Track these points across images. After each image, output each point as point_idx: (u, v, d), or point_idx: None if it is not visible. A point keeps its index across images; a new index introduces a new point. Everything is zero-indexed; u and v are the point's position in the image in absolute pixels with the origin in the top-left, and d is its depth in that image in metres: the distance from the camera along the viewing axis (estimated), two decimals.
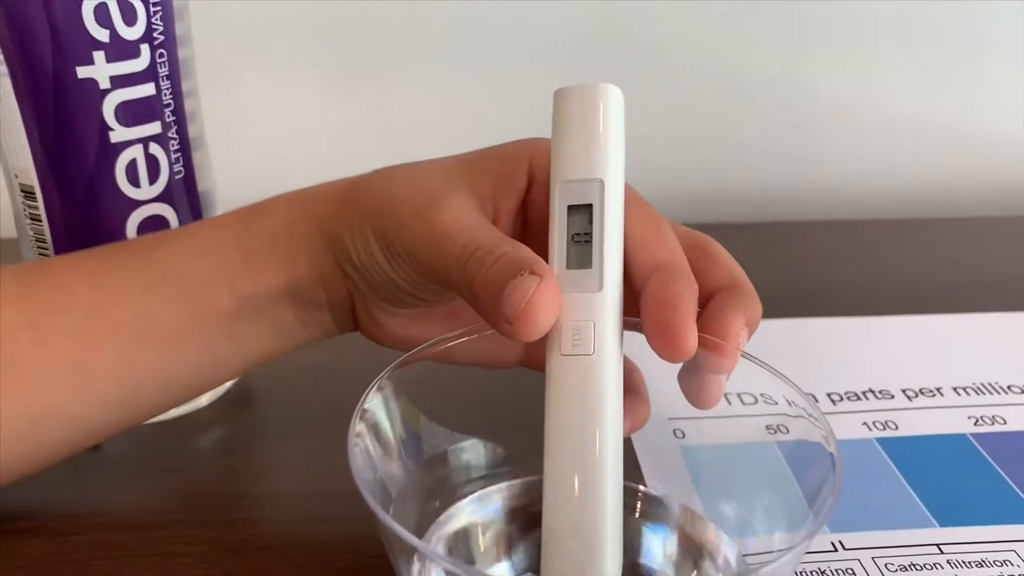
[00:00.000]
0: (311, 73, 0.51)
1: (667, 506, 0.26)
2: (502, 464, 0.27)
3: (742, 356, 0.24)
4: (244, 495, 0.30)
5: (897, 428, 0.33)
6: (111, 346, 0.26)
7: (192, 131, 0.32)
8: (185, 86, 0.31)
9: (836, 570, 0.27)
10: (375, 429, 0.24)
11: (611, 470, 0.21)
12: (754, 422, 0.26)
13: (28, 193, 0.30)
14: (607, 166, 0.23)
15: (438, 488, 0.26)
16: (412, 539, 0.19)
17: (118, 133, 0.30)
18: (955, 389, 0.35)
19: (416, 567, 0.21)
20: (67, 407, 0.26)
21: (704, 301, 0.24)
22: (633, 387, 0.25)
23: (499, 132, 0.28)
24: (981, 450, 0.32)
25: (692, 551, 0.25)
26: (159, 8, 0.29)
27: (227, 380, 0.31)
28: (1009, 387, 0.35)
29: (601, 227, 0.22)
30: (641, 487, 0.27)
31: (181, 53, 0.31)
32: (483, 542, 0.25)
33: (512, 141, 0.27)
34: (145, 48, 0.29)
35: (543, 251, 0.23)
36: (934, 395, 0.35)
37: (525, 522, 0.25)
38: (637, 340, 0.23)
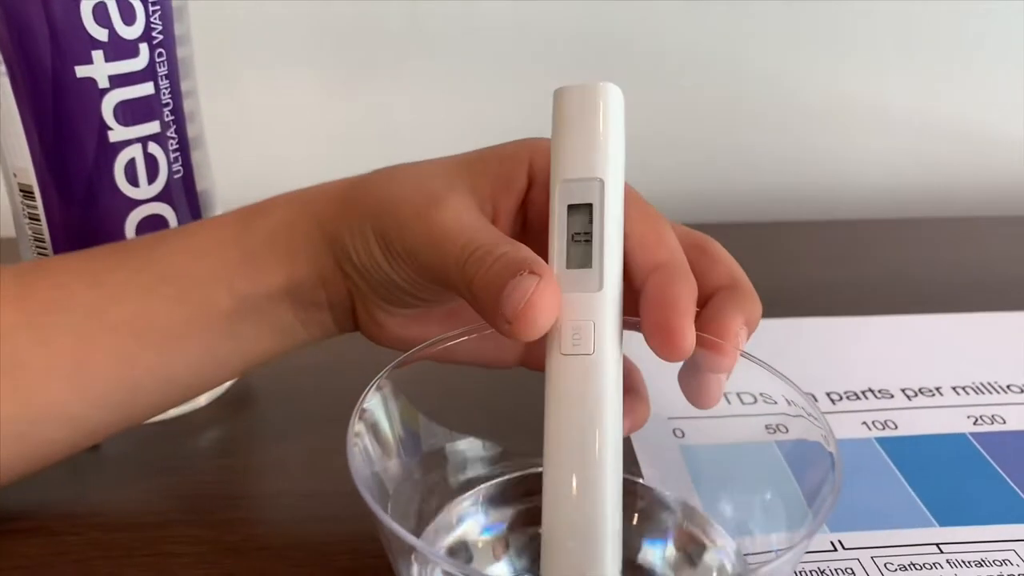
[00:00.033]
0: (311, 73, 0.51)
1: (667, 505, 0.26)
2: (501, 463, 0.27)
3: (741, 355, 0.24)
4: (243, 495, 0.30)
5: (896, 428, 0.33)
6: (110, 346, 0.26)
7: (191, 131, 0.32)
8: (184, 86, 0.31)
9: (835, 569, 0.27)
10: (374, 429, 0.24)
11: (611, 470, 0.21)
12: (753, 421, 0.26)
13: (27, 192, 0.30)
14: (607, 165, 0.23)
15: (437, 487, 0.26)
16: (411, 539, 0.19)
17: (117, 132, 0.30)
18: (954, 388, 0.35)
19: (415, 567, 0.21)
20: (66, 407, 0.26)
21: (704, 301, 0.24)
22: (632, 387, 0.25)
23: (499, 132, 0.28)
24: (980, 449, 0.32)
25: (692, 550, 0.25)
26: (158, 7, 0.29)
27: (227, 380, 0.31)
28: (1008, 386, 0.35)
29: (601, 226, 0.22)
30: (640, 480, 0.27)
31: (180, 52, 0.31)
32: (482, 542, 0.25)
33: (512, 141, 0.27)
34: (144, 47, 0.29)
35: (543, 251, 0.23)
36: (933, 394, 0.35)
37: (524, 522, 0.25)
38: (636, 340, 0.23)
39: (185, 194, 0.32)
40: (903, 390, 0.35)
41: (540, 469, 0.22)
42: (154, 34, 0.29)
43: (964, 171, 0.56)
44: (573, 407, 0.22)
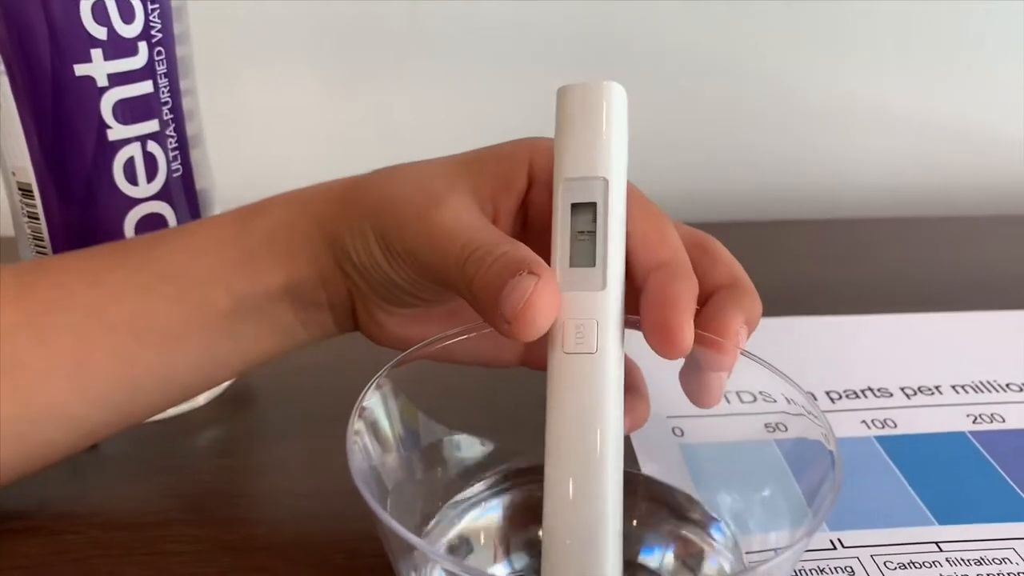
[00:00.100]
0: (311, 72, 0.51)
1: (667, 501, 0.26)
2: (501, 462, 0.27)
3: (741, 354, 0.24)
4: (242, 494, 0.30)
5: (896, 426, 0.33)
6: (110, 345, 0.26)
7: (190, 129, 0.32)
8: (183, 84, 0.31)
9: (835, 568, 0.27)
10: (374, 427, 0.24)
11: (612, 469, 0.21)
12: (753, 420, 0.26)
13: (26, 191, 0.30)
14: (611, 164, 0.23)
15: (437, 486, 0.26)
16: (411, 537, 0.19)
17: (116, 131, 0.30)
18: (954, 387, 0.35)
19: (415, 565, 0.21)
20: (66, 407, 0.26)
21: (704, 299, 0.24)
22: (633, 385, 0.25)
23: (499, 132, 0.28)
24: (980, 448, 0.32)
25: (691, 549, 0.25)
26: (157, 6, 0.29)
27: (226, 380, 0.31)
28: (1008, 385, 0.35)
29: (605, 225, 0.22)
30: (641, 474, 0.27)
31: (179, 51, 0.31)
32: (482, 540, 0.25)
33: (511, 140, 0.27)
34: (143, 46, 0.29)
35: (544, 250, 0.23)
36: (933, 393, 0.35)
37: (524, 520, 0.25)
38: (637, 338, 0.23)
39: (184, 193, 0.32)
40: (902, 389, 0.35)
41: (541, 464, 0.22)
42: (153, 33, 0.29)
43: (964, 171, 0.56)
44: (575, 405, 0.22)
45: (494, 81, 0.51)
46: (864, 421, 0.33)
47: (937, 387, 0.35)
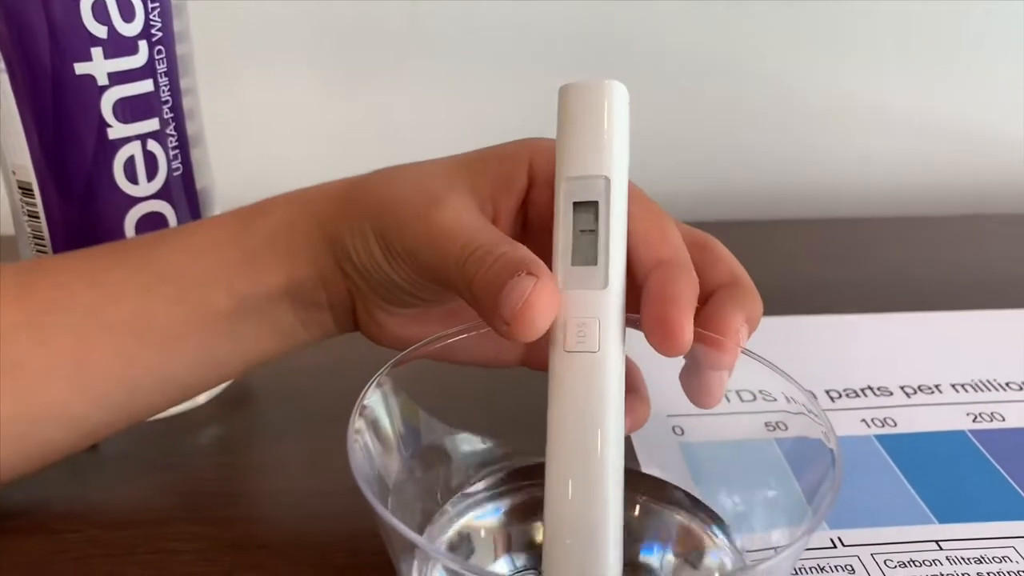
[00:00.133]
0: (311, 72, 0.51)
1: (667, 499, 0.26)
2: (501, 460, 0.27)
3: (742, 353, 0.24)
4: (242, 492, 0.30)
5: (896, 425, 0.33)
6: (110, 345, 0.26)
7: (190, 128, 0.32)
8: (183, 83, 0.31)
9: (835, 566, 0.27)
10: (374, 425, 0.24)
11: (613, 468, 0.21)
12: (753, 419, 0.26)
13: (26, 190, 0.30)
14: (612, 163, 0.23)
15: (437, 484, 0.26)
16: (412, 535, 0.19)
17: (116, 130, 0.30)
18: (953, 386, 0.35)
19: (416, 563, 0.21)
20: (66, 407, 0.26)
21: (705, 298, 0.24)
22: (633, 386, 0.25)
23: (499, 132, 0.28)
24: (980, 447, 0.32)
25: (692, 547, 0.25)
26: (157, 5, 0.29)
27: (227, 380, 0.31)
28: (1007, 384, 0.35)
29: (607, 224, 0.22)
30: (642, 472, 0.27)
31: (179, 50, 0.31)
32: (482, 538, 0.25)
33: (512, 141, 0.27)
34: (143, 44, 0.29)
35: (544, 250, 0.23)
36: (932, 392, 0.35)
37: (524, 519, 0.25)
38: (637, 338, 0.23)
39: (184, 192, 0.32)
40: (902, 388, 0.35)
41: (541, 463, 0.22)
42: (153, 31, 0.29)
43: (964, 170, 0.56)
44: (577, 404, 0.22)
45: (494, 81, 0.51)
46: (864, 420, 0.33)
47: (937, 386, 0.35)
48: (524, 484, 0.26)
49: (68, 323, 0.25)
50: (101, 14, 0.28)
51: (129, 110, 0.30)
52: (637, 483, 0.26)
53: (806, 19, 0.51)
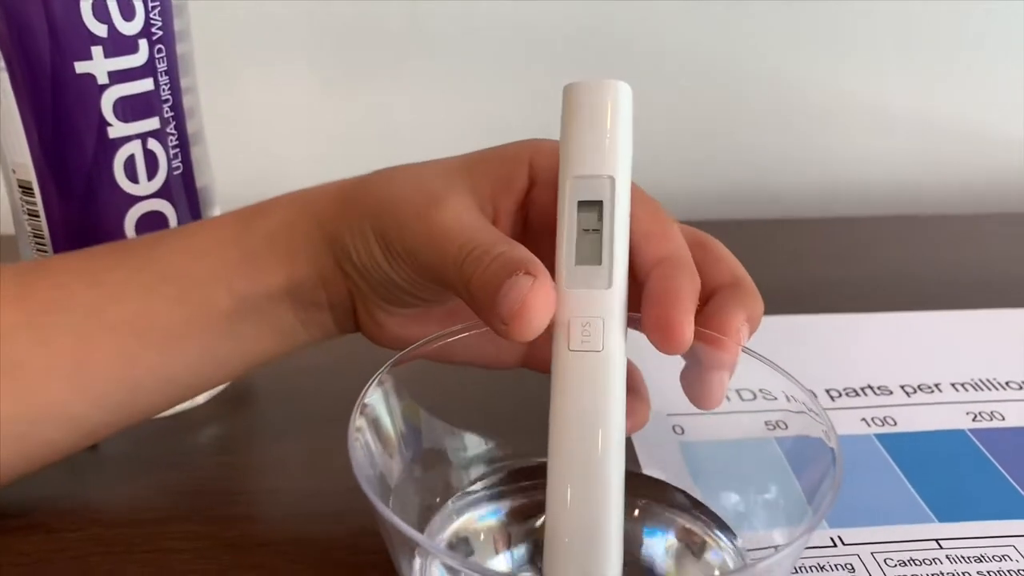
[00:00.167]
0: (311, 72, 0.51)
1: (668, 500, 0.26)
2: (502, 460, 0.27)
3: (742, 351, 0.24)
4: (242, 491, 0.30)
5: (896, 424, 0.33)
6: (111, 345, 0.26)
7: (191, 127, 0.32)
8: (184, 82, 0.31)
9: (835, 565, 0.27)
10: (375, 424, 0.24)
11: (615, 467, 0.21)
12: (754, 418, 0.26)
13: (26, 189, 0.30)
14: (617, 163, 0.23)
15: (438, 482, 0.26)
16: (413, 533, 0.19)
17: (116, 129, 0.30)
18: (953, 385, 0.35)
19: (416, 561, 0.21)
20: (67, 407, 0.26)
21: (706, 298, 0.24)
22: (634, 387, 0.25)
23: (499, 132, 0.28)
24: (979, 446, 0.32)
25: (692, 546, 0.25)
26: (157, 4, 0.29)
27: (227, 380, 0.31)
28: (1007, 383, 0.35)
29: (611, 224, 0.22)
30: (642, 472, 0.27)
31: (179, 49, 0.31)
32: (482, 536, 0.25)
33: (513, 142, 0.27)
34: (143, 43, 0.29)
35: (546, 250, 0.23)
36: (932, 391, 0.35)
37: (525, 517, 0.25)
38: (636, 338, 0.23)
39: (185, 190, 0.32)
40: (902, 387, 0.35)
41: (541, 463, 0.22)
42: (153, 30, 0.29)
43: (964, 170, 0.56)
44: (580, 403, 0.22)
45: (494, 81, 0.51)
46: (864, 419, 0.33)
47: (937, 385, 0.35)
48: (525, 484, 0.26)
49: (68, 323, 0.25)
50: (101, 13, 0.28)
51: (129, 109, 0.30)
52: (637, 484, 0.26)
53: (806, 19, 0.52)
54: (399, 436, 0.25)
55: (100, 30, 0.28)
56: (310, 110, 0.52)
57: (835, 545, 0.27)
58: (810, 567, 0.26)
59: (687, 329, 0.22)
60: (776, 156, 0.55)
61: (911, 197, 0.57)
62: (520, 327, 0.21)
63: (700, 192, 0.55)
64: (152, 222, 0.31)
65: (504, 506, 0.26)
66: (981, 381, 0.36)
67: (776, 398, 0.25)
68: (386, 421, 0.24)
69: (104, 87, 0.29)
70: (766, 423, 0.25)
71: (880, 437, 0.32)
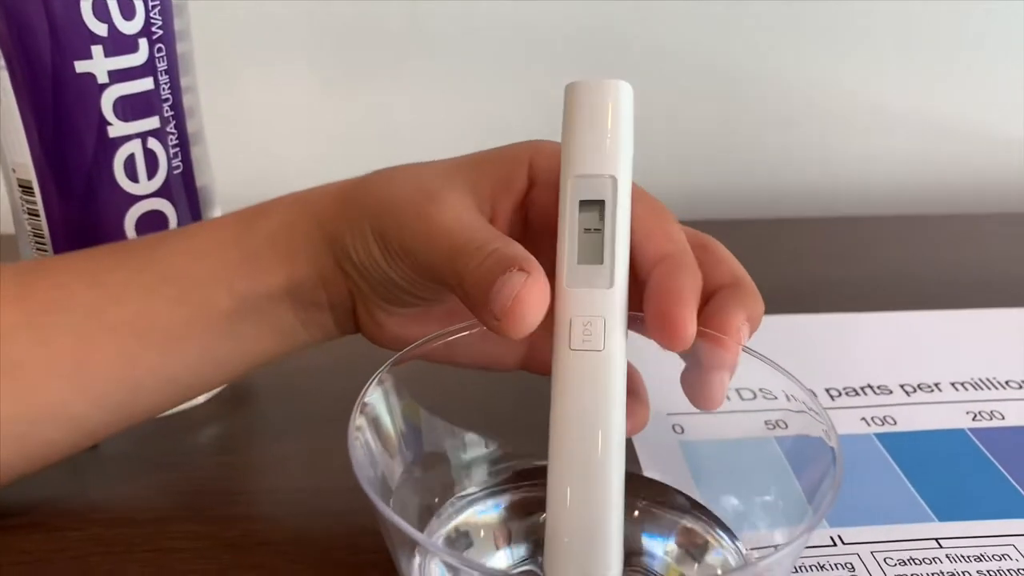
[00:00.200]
0: (311, 72, 0.51)
1: (668, 499, 0.26)
2: (501, 458, 0.27)
3: (742, 351, 0.24)
4: (242, 491, 0.30)
5: (895, 423, 0.33)
6: (111, 346, 0.26)
7: (191, 126, 0.32)
8: (184, 81, 0.31)
9: (835, 564, 0.27)
10: (375, 423, 0.24)
11: (616, 467, 0.22)
12: (754, 417, 0.26)
13: (26, 188, 0.30)
14: (619, 163, 0.23)
15: (438, 482, 0.26)
16: (413, 532, 0.19)
17: (116, 128, 0.30)
18: (953, 384, 0.35)
19: (416, 560, 0.21)
20: (67, 407, 0.26)
21: (706, 299, 0.24)
22: (633, 389, 0.25)
23: (499, 131, 0.28)
24: (979, 445, 0.32)
25: (692, 546, 0.25)
26: (158, 3, 0.29)
27: (228, 381, 0.31)
28: (1007, 382, 0.35)
29: (613, 223, 0.22)
30: (642, 474, 0.27)
31: (180, 48, 0.31)
32: (481, 534, 0.25)
33: (513, 143, 0.27)
34: (143, 43, 0.29)
35: (545, 250, 0.23)
36: (932, 390, 0.35)
37: (524, 515, 0.25)
38: (635, 338, 0.23)
39: (184, 190, 0.32)
40: (902, 386, 0.35)
41: (540, 463, 0.22)
42: (154, 29, 0.29)
43: (964, 169, 0.56)
44: (581, 402, 0.22)
45: (494, 81, 0.51)
46: (864, 418, 0.33)
47: (937, 384, 0.35)
48: (525, 483, 0.26)
49: (69, 323, 0.25)
50: (101, 12, 0.28)
51: (129, 108, 0.30)
52: (637, 484, 0.26)
53: (806, 19, 0.52)
54: (399, 435, 0.25)
55: (100, 29, 0.28)
56: (310, 110, 0.52)
57: (835, 544, 0.27)
58: (810, 566, 0.26)
59: (690, 325, 0.22)
60: (776, 156, 0.55)
61: (911, 197, 0.57)
62: (513, 323, 0.21)
63: (700, 192, 0.55)
64: (152, 221, 0.31)
65: (504, 501, 0.26)
66: (981, 380, 0.36)
67: (776, 397, 0.25)
68: (386, 420, 0.24)
69: (104, 86, 0.29)
70: (766, 422, 0.25)
71: (880, 436, 0.32)
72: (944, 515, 0.28)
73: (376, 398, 0.24)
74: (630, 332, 0.23)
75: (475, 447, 0.27)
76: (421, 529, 0.24)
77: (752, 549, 0.24)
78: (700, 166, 0.55)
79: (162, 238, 0.28)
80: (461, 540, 0.25)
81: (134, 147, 0.30)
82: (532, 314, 0.21)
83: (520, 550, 0.25)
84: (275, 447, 0.32)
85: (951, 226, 0.53)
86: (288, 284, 0.27)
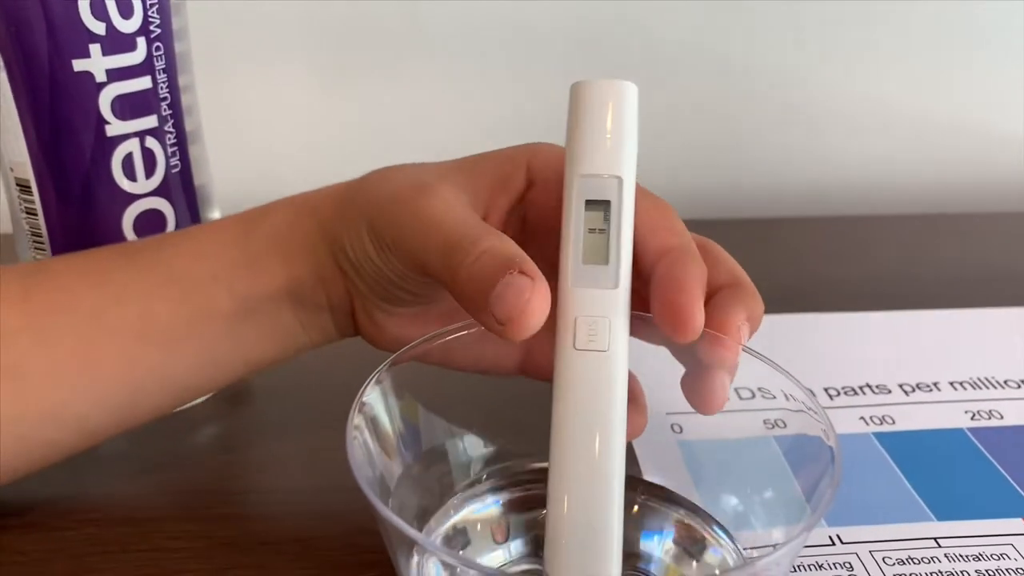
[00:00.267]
0: (309, 71, 0.51)
1: (666, 499, 0.26)
2: (500, 457, 0.27)
3: (743, 350, 0.24)
4: (240, 491, 0.30)
5: (894, 423, 0.33)
6: (113, 347, 0.26)
7: (189, 125, 0.32)
8: (182, 80, 0.31)
9: (834, 563, 0.27)
10: (373, 422, 0.24)
11: (617, 467, 0.22)
12: (753, 417, 0.26)
13: (24, 187, 0.30)
14: (624, 164, 0.23)
15: (436, 481, 0.26)
16: (411, 531, 0.19)
17: (114, 127, 0.30)
18: (952, 384, 0.35)
19: (415, 559, 0.21)
20: (68, 408, 0.26)
21: (706, 299, 0.24)
22: (632, 396, 0.25)
23: (499, 131, 0.28)
24: (978, 444, 0.32)
25: (691, 545, 0.25)
26: (156, 2, 0.29)
27: (229, 382, 0.31)
28: (1005, 382, 0.35)
29: (619, 224, 0.22)
30: (641, 477, 0.27)
31: (178, 47, 0.31)
32: (481, 534, 0.25)
33: (513, 146, 0.27)
34: (141, 41, 0.29)
35: (543, 250, 0.23)
36: (931, 390, 0.35)
37: (523, 515, 0.25)
38: (633, 339, 0.23)
39: (183, 189, 0.32)
40: (901, 385, 0.35)
41: (539, 465, 0.22)
42: (152, 28, 0.29)
43: (964, 168, 0.56)
44: (584, 402, 0.22)
45: (494, 81, 0.51)
46: (863, 418, 0.33)
47: (935, 384, 0.35)
48: (523, 483, 0.26)
49: (70, 325, 0.25)
50: (99, 11, 0.28)
51: (127, 107, 0.30)
52: (636, 483, 0.26)
53: (806, 19, 0.52)
54: (397, 435, 0.25)
55: (98, 28, 0.28)
56: (309, 109, 0.52)
57: (833, 544, 0.27)
58: (809, 565, 0.26)
59: (698, 315, 0.22)
60: (776, 156, 0.55)
61: (911, 197, 0.57)
62: (519, 329, 0.21)
63: (700, 192, 0.55)
64: (150, 220, 0.31)
65: (503, 500, 0.26)
66: (979, 380, 0.36)
67: (775, 397, 0.25)
68: (384, 420, 0.24)
69: (102, 85, 0.29)
70: (765, 422, 0.25)
71: (879, 436, 0.32)
72: (943, 514, 0.28)
73: (374, 397, 0.24)
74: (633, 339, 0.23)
75: (474, 446, 0.27)
76: (420, 528, 0.24)
77: (750, 548, 0.24)
78: (700, 166, 0.55)
79: (163, 240, 0.28)
80: (459, 539, 0.25)
81: (132, 146, 0.30)
82: (538, 320, 0.21)
83: (519, 549, 0.25)
84: (274, 447, 0.32)
85: (951, 225, 0.53)
86: (288, 284, 0.27)
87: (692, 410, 0.25)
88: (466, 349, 0.25)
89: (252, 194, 0.29)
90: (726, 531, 0.25)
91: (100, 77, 0.29)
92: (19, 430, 0.25)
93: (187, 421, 0.33)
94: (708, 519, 0.25)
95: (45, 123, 0.29)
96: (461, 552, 0.24)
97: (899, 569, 0.26)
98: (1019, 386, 0.35)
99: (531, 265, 0.22)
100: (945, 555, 0.27)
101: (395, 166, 0.27)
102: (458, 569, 0.22)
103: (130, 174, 0.30)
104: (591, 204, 0.23)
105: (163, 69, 0.30)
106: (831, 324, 0.40)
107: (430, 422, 0.26)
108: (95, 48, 0.28)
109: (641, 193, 0.24)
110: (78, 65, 0.28)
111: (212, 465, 0.31)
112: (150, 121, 0.30)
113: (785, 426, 0.25)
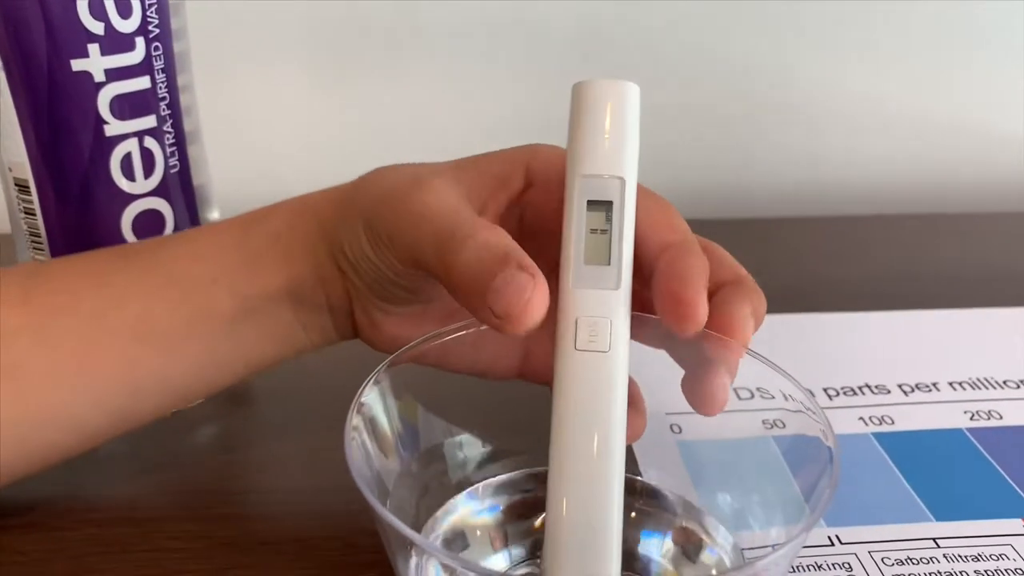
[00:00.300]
0: (308, 71, 0.51)
1: (665, 499, 0.26)
2: (499, 458, 0.27)
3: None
4: (239, 491, 0.30)
5: (893, 423, 0.33)
6: (113, 349, 0.26)
7: (187, 125, 0.32)
8: (180, 80, 0.31)
9: (833, 564, 0.27)
10: (372, 423, 0.24)
11: (617, 467, 0.21)
12: (752, 417, 0.26)
13: (22, 187, 0.30)
14: (626, 164, 0.23)
15: (435, 482, 0.26)
16: (410, 532, 0.19)
17: (113, 127, 0.30)
18: (951, 384, 0.35)
19: (413, 560, 0.21)
20: (68, 410, 0.26)
21: (709, 296, 0.24)
22: (631, 398, 0.25)
23: (499, 131, 0.28)
24: (977, 445, 0.32)
25: (689, 545, 0.25)
26: (154, 1, 0.29)
27: (229, 383, 0.31)
28: (1004, 382, 0.35)
29: (620, 225, 0.22)
30: (639, 478, 0.27)
31: (176, 47, 0.31)
32: (479, 535, 0.25)
33: (512, 147, 0.27)
34: (140, 41, 0.29)
35: (542, 249, 0.23)
36: (930, 390, 0.35)
37: (522, 515, 0.25)
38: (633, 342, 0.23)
39: (181, 189, 0.32)
40: (900, 386, 0.35)
41: (538, 469, 0.22)
42: (150, 28, 0.29)
43: (964, 168, 0.56)
44: (584, 402, 0.22)
45: (493, 81, 0.51)
46: (862, 418, 0.33)
47: (934, 384, 0.35)
48: (521, 481, 0.26)
49: (71, 326, 0.25)
50: (98, 10, 0.28)
51: (126, 107, 0.30)
52: (635, 484, 0.26)
53: (806, 19, 0.52)
54: (396, 435, 0.25)
55: (97, 27, 0.28)
56: (308, 109, 0.52)
57: (832, 544, 0.27)
58: (807, 566, 0.26)
59: (701, 307, 0.22)
60: (776, 155, 0.55)
61: (911, 197, 0.57)
62: (518, 325, 0.21)
63: (700, 192, 0.55)
64: (149, 221, 0.31)
65: (501, 502, 0.26)
66: (979, 380, 0.36)
67: (774, 397, 0.25)
68: (383, 420, 0.24)
69: (101, 85, 0.29)
70: (764, 422, 0.25)
71: (878, 436, 0.32)
72: (941, 515, 0.28)
73: (373, 398, 0.24)
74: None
75: (472, 447, 0.27)
76: (418, 529, 0.24)
77: (749, 548, 0.24)
78: (700, 166, 0.55)
79: (164, 241, 0.28)
80: (458, 541, 0.25)
81: (131, 146, 0.30)
82: (537, 316, 0.21)
83: (517, 551, 0.25)
84: (274, 447, 0.32)
85: (951, 225, 0.53)
86: (288, 284, 0.27)
87: (691, 410, 0.25)
88: (462, 352, 0.25)
89: (252, 194, 0.29)
90: (725, 531, 0.25)
91: (99, 77, 0.29)
92: (19, 431, 0.25)
93: (187, 421, 0.33)
94: (707, 519, 0.25)
95: (44, 123, 0.29)
96: (460, 554, 0.24)
97: (898, 569, 0.26)
98: (1018, 386, 0.35)
99: (528, 260, 0.22)
100: (944, 555, 0.27)
101: (393, 165, 0.27)
102: (457, 571, 0.22)
103: (129, 174, 0.30)
104: (593, 204, 0.23)
105: (162, 69, 0.30)
106: (831, 324, 0.40)
107: (428, 422, 0.26)
108: (94, 48, 0.28)
109: (642, 191, 0.24)
110: (77, 65, 0.28)
111: (212, 465, 0.31)
112: (149, 121, 0.30)
113: (784, 426, 0.25)
